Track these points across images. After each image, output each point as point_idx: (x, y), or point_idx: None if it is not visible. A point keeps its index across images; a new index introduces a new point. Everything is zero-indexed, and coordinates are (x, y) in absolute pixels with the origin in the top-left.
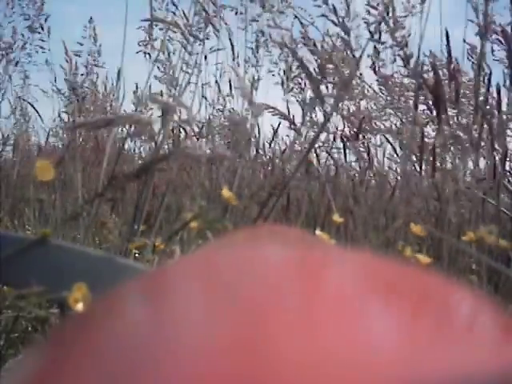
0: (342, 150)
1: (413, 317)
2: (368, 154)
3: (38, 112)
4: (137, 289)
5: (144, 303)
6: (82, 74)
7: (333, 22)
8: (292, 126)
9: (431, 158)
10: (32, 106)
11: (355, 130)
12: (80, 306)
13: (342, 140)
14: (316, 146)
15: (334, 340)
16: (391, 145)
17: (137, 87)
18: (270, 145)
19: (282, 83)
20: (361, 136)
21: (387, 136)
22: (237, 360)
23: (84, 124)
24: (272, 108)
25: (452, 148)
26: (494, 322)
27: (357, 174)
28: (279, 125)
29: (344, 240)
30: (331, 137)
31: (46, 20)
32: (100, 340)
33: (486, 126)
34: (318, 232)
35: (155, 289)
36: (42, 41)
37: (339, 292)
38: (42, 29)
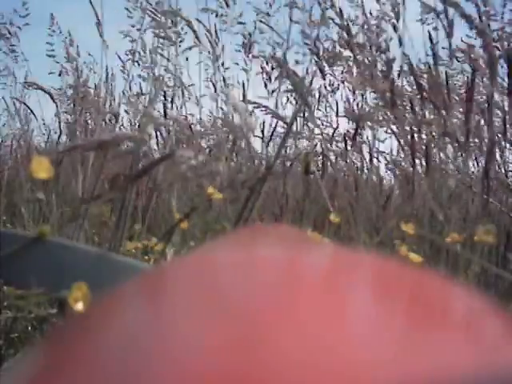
0: (344, 148)
1: (410, 316)
2: (361, 153)
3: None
4: (135, 289)
5: (142, 304)
6: (67, 75)
7: (339, 25)
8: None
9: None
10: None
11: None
12: (80, 305)
13: (344, 138)
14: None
15: (328, 339)
16: (396, 138)
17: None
18: (267, 145)
19: (265, 85)
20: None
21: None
22: (233, 359)
23: (76, 147)
24: (264, 106)
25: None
26: (492, 321)
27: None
28: (276, 125)
29: (339, 239)
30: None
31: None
32: (99, 340)
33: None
34: (311, 231)
35: (153, 290)
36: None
37: (334, 291)
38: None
